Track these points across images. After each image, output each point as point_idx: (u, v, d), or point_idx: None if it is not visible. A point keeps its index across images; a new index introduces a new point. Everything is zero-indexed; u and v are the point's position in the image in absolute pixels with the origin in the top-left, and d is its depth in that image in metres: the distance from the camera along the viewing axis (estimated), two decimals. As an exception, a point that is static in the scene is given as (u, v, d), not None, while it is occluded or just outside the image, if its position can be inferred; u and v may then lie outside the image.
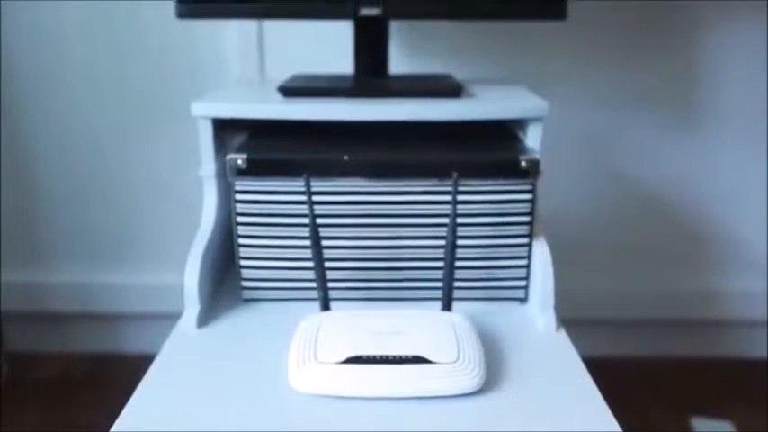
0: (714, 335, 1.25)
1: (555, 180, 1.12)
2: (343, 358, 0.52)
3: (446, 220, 0.63)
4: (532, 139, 0.69)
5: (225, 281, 0.73)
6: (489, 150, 0.67)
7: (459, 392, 0.52)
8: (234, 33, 1.06)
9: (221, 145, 0.72)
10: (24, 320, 1.26)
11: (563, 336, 0.63)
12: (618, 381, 1.17)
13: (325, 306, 0.62)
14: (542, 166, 0.66)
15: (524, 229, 0.67)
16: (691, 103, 1.12)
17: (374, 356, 0.53)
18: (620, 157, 1.15)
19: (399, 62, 1.04)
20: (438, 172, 0.64)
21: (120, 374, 1.19)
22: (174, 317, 1.21)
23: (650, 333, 1.25)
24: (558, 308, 0.66)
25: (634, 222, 1.19)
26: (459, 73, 0.92)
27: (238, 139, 0.73)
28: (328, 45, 0.98)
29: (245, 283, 0.68)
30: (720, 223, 1.19)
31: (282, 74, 0.88)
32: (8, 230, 1.21)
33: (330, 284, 0.63)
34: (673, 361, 1.24)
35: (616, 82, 1.10)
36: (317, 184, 0.64)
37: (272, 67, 1.08)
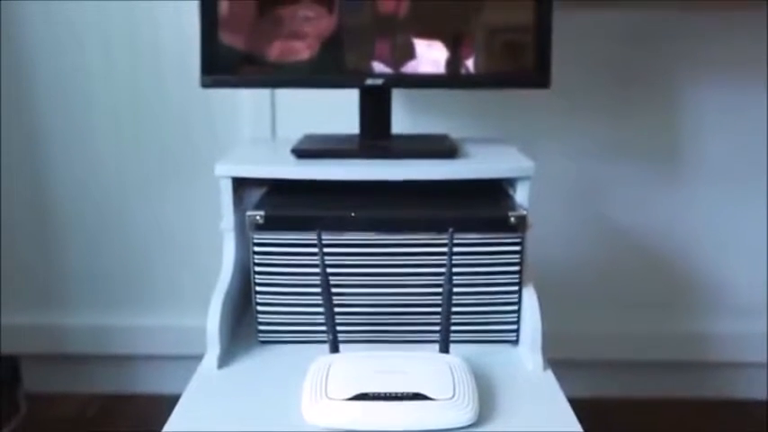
0: (704, 377, 1.29)
1: (548, 228, 1.19)
2: (352, 395, 0.59)
3: (443, 270, 0.69)
4: (521, 195, 0.77)
5: (241, 324, 0.80)
6: (481, 207, 0.75)
7: (455, 426, 0.58)
8: (248, 94, 1.15)
9: (239, 200, 0.79)
10: (42, 362, 1.31)
11: (550, 375, 0.70)
12: (610, 421, 1.22)
13: (335, 348, 0.69)
14: (531, 219, 0.73)
15: (514, 278, 0.74)
16: (673, 155, 1.20)
17: (379, 393, 0.59)
18: (610, 206, 1.22)
19: (401, 119, 1.13)
20: (435, 227, 0.71)
21: (132, 413, 1.24)
22: (184, 358, 1.27)
23: (640, 374, 1.30)
24: (546, 349, 0.72)
25: (624, 268, 1.25)
26: (455, 130, 1.00)
27: (254, 194, 0.81)
28: (334, 106, 1.06)
29: (261, 327, 0.75)
30: (707, 268, 1.25)
31: (292, 131, 0.96)
32: (27, 276, 1.27)
33: (339, 328, 0.70)
34: (662, 402, 1.28)
35: (603, 137, 1.18)
36: (327, 238, 0.71)
37: (283, 125, 1.16)
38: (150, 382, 1.30)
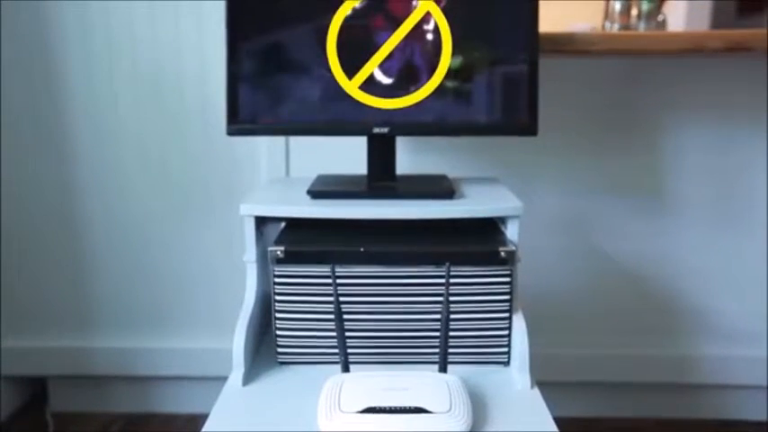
0: (688, 398, 1.37)
1: (543, 258, 1.29)
2: (362, 408, 0.68)
3: (441, 299, 0.79)
4: (511, 232, 0.86)
5: (261, 347, 0.89)
6: (475, 243, 0.84)
7: (451, 435, 0.67)
8: (264, 139, 1.26)
9: (259, 234, 0.89)
10: (68, 383, 1.40)
11: (536, 393, 0.79)
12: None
13: (346, 368, 0.78)
14: (521, 253, 0.83)
15: (505, 306, 0.83)
16: (658, 190, 1.29)
17: (385, 407, 0.68)
18: (597, 237, 1.31)
19: (405, 158, 1.23)
20: (434, 260, 0.81)
21: (153, 431, 1.32)
22: (201, 379, 1.36)
23: (634, 396, 1.38)
24: (534, 370, 0.81)
25: (616, 295, 1.33)
26: (453, 168, 1.09)
27: (272, 228, 0.91)
28: (340, 147, 1.17)
29: (280, 349, 0.84)
30: (694, 294, 1.33)
31: (303, 171, 1.05)
32: (55, 301, 1.37)
33: (350, 350, 0.79)
34: (649, 421, 1.36)
35: (593, 175, 1.28)
36: (340, 271, 0.81)
37: (295, 165, 1.27)
38: (170, 402, 1.38)
